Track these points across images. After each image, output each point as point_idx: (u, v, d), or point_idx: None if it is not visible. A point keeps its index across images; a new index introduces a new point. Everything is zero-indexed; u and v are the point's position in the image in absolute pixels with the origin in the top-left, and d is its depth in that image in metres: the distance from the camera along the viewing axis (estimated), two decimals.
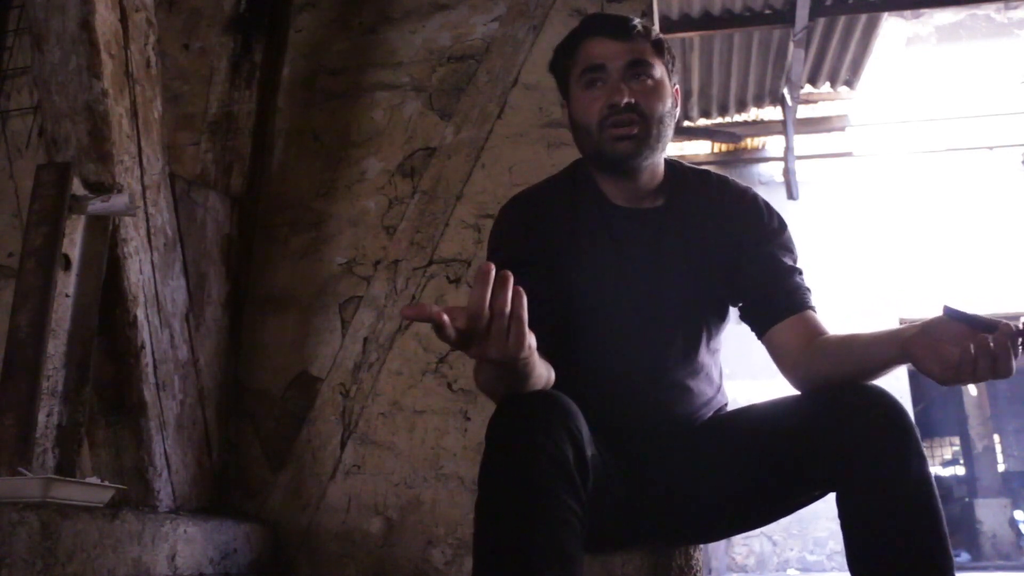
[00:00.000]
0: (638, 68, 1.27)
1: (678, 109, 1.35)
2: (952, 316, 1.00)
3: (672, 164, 1.39)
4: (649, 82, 1.27)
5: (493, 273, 0.84)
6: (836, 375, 1.16)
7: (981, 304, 7.28)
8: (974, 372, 0.97)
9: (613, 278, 1.31)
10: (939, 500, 1.06)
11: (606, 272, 1.31)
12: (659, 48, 1.30)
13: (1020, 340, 0.96)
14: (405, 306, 0.85)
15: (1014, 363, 0.97)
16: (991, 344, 0.96)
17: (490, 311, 0.84)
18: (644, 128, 1.25)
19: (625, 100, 1.24)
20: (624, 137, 1.25)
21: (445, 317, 0.82)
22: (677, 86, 1.35)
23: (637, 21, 1.29)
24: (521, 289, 0.87)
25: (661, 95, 1.28)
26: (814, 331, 1.24)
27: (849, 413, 1.09)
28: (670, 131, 1.31)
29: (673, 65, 1.34)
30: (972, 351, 0.96)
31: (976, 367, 0.96)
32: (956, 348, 0.98)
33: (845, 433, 1.08)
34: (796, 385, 1.25)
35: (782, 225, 1.36)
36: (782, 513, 1.27)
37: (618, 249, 1.32)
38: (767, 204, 1.38)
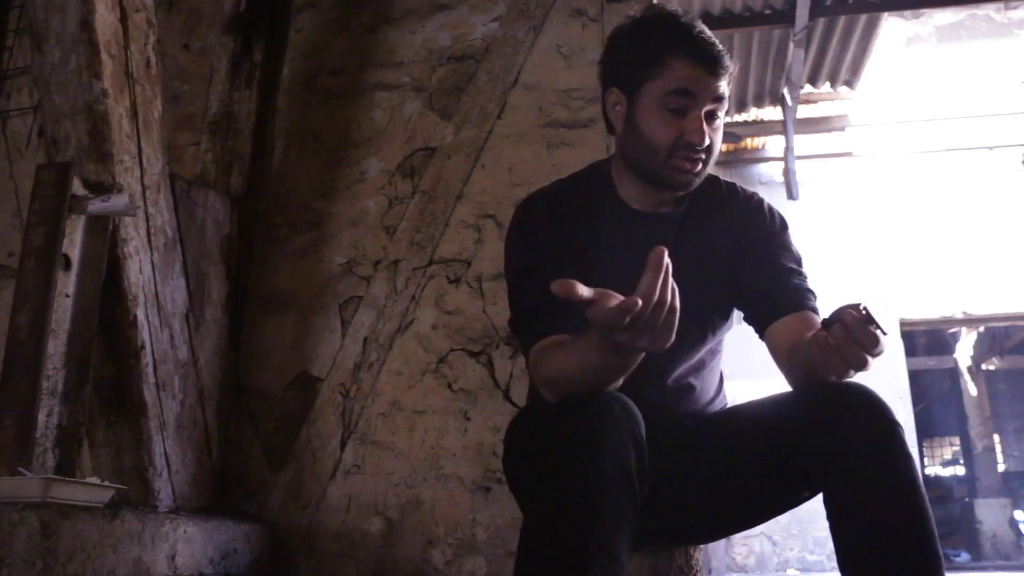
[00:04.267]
0: (717, 106, 1.26)
1: None
2: (824, 325, 1.02)
3: None
4: (718, 121, 1.27)
5: (665, 259, 0.87)
6: (809, 375, 1.17)
7: (982, 304, 7.28)
8: (828, 368, 1.01)
9: (628, 281, 1.31)
10: (927, 499, 1.05)
11: (621, 275, 1.31)
12: (730, 83, 1.29)
13: (872, 326, 0.96)
14: (557, 282, 0.88)
15: (866, 355, 0.98)
16: (831, 339, 0.98)
17: (659, 296, 0.89)
18: (705, 166, 1.28)
19: (706, 143, 1.25)
20: (687, 172, 1.27)
21: (638, 301, 0.86)
22: None
23: (724, 51, 1.25)
24: (674, 283, 0.90)
25: (721, 135, 1.30)
26: (811, 331, 1.24)
27: (833, 412, 1.09)
28: None
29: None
30: (818, 350, 1.00)
31: (828, 364, 1.00)
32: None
33: (830, 433, 1.08)
34: (789, 383, 1.25)
35: (784, 226, 1.37)
36: (773, 513, 1.28)
37: (634, 253, 1.32)
38: (770, 207, 1.39)
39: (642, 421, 1.06)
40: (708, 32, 1.27)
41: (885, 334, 0.98)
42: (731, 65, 1.25)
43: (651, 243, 1.32)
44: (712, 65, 1.23)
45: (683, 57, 1.24)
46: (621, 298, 0.89)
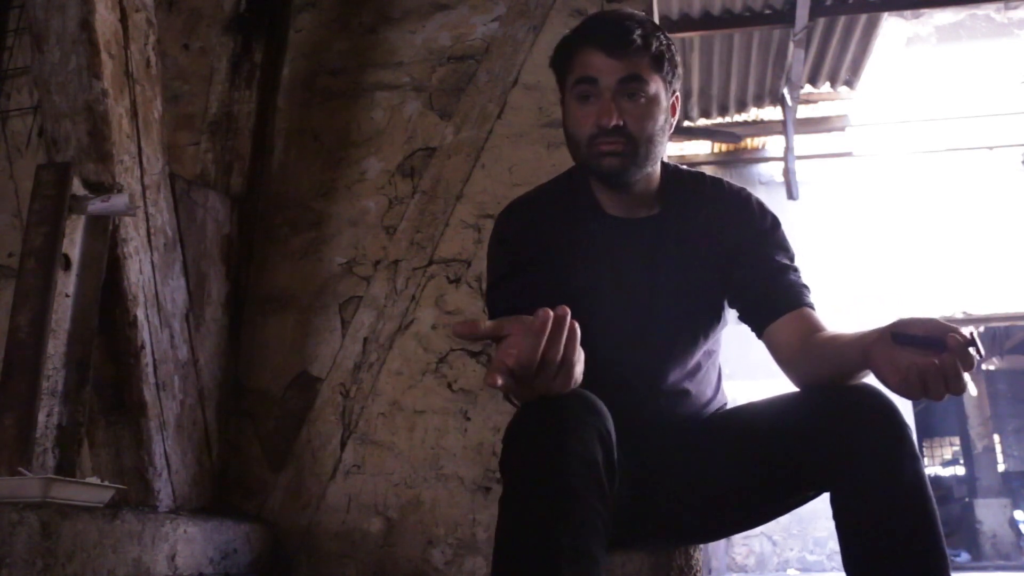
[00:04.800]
0: (631, 85, 1.23)
1: (675, 118, 1.32)
2: (901, 342, 0.98)
3: (667, 169, 1.38)
4: (641, 100, 1.24)
5: (550, 324, 0.86)
6: (821, 375, 1.17)
7: (982, 304, 7.28)
8: (926, 392, 0.96)
9: (609, 288, 1.31)
10: (934, 500, 1.05)
11: (602, 282, 1.31)
12: (658, 61, 1.25)
13: (972, 349, 0.94)
14: (458, 323, 0.89)
15: (967, 379, 0.95)
16: (938, 364, 0.94)
17: (542, 357, 0.88)
18: (631, 148, 1.24)
19: (613, 123, 1.22)
20: (610, 154, 1.24)
21: (499, 379, 0.86)
22: (677, 94, 1.32)
23: (637, 33, 1.23)
24: (576, 327, 0.90)
25: (652, 114, 1.25)
26: (811, 328, 1.23)
27: (842, 413, 1.09)
28: (661, 147, 1.29)
29: (674, 74, 1.29)
30: (918, 375, 0.95)
31: (927, 389, 0.96)
32: (914, 357, 0.97)
33: (838, 433, 1.08)
34: (794, 383, 1.25)
35: (775, 224, 1.36)
36: (777, 513, 1.28)
37: (613, 260, 1.32)
38: (760, 203, 1.38)
39: (608, 416, 1.06)
40: (623, 17, 1.26)
41: (982, 357, 0.97)
42: (639, 41, 1.22)
43: (628, 248, 1.33)
44: (610, 47, 1.23)
45: (583, 46, 1.26)
46: (520, 332, 0.89)
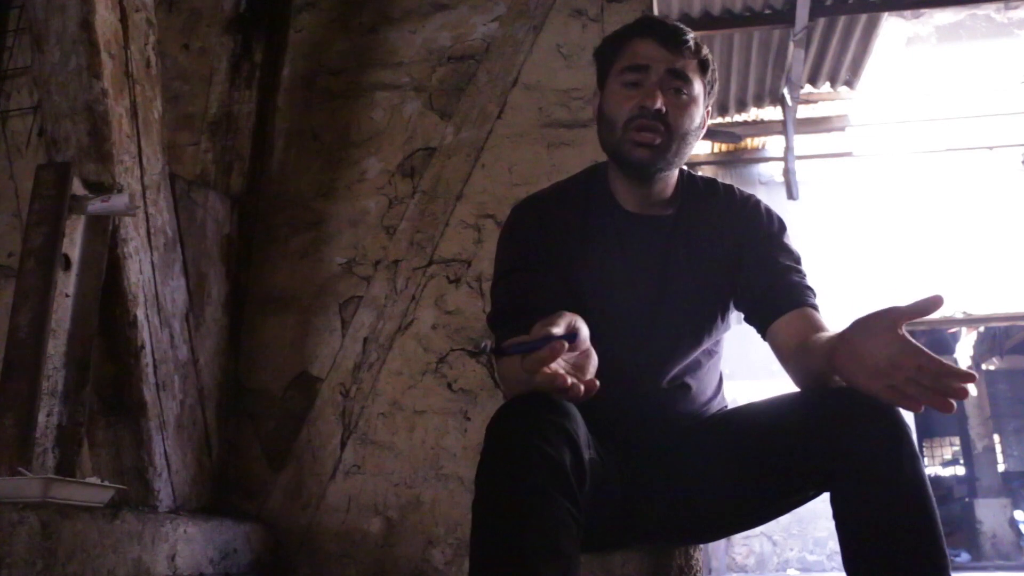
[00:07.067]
0: (678, 80, 1.27)
1: (704, 131, 1.36)
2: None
3: (683, 174, 1.41)
4: (684, 97, 1.27)
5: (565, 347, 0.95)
6: (815, 375, 1.17)
7: (982, 304, 7.28)
8: (916, 402, 0.99)
9: (620, 282, 1.32)
10: (934, 500, 1.05)
11: (614, 276, 1.32)
12: (704, 68, 1.31)
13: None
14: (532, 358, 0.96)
15: (972, 386, 0.96)
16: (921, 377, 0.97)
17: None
18: (666, 140, 1.27)
19: (657, 106, 1.24)
20: (644, 144, 1.26)
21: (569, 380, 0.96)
22: (710, 108, 1.35)
23: (691, 37, 1.28)
24: (591, 354, 0.98)
25: (692, 113, 1.29)
26: (812, 328, 1.24)
27: (842, 413, 1.09)
28: (691, 148, 1.33)
29: (712, 88, 1.34)
30: (906, 384, 0.98)
31: (917, 396, 0.99)
32: (883, 353, 0.98)
33: (838, 433, 1.08)
34: (795, 382, 1.25)
35: (782, 227, 1.38)
36: (777, 513, 1.28)
37: (626, 254, 1.33)
38: (768, 208, 1.40)
39: (577, 417, 1.06)
40: (678, 23, 1.32)
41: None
42: (692, 43, 1.28)
43: (641, 244, 1.34)
44: (666, 39, 1.27)
45: (638, 36, 1.30)
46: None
